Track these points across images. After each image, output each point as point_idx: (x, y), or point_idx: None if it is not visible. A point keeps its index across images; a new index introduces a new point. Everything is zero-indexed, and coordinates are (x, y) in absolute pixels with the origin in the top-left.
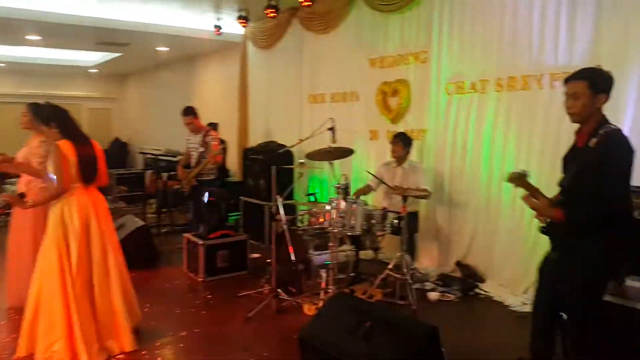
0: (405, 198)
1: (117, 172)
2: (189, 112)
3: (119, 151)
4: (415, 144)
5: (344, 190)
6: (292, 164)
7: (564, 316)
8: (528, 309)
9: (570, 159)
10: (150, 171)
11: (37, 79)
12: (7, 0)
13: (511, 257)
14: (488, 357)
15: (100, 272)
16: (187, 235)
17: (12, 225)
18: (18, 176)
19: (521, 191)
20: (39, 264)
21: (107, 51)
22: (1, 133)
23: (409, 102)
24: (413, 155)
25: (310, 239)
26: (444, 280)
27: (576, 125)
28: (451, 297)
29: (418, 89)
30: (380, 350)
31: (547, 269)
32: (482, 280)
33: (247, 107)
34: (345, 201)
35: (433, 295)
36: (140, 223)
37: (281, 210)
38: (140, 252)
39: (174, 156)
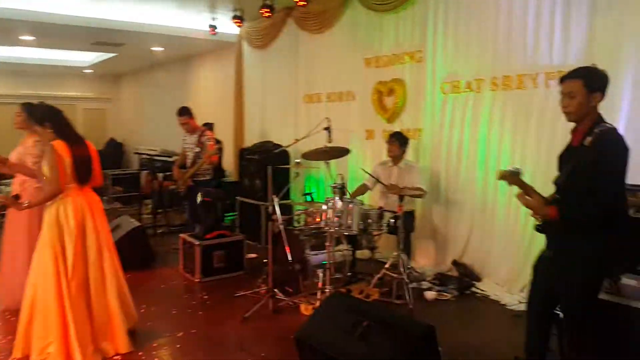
0: (401, 197)
1: (113, 173)
2: (185, 112)
3: (114, 152)
4: (411, 144)
5: (340, 190)
6: (288, 164)
7: (560, 315)
8: (524, 307)
9: (566, 158)
10: (145, 172)
11: (31, 79)
12: None
13: (507, 255)
14: (485, 356)
15: (96, 273)
16: (183, 235)
17: (6, 226)
18: (12, 177)
19: (516, 189)
20: (34, 265)
21: (102, 51)
22: None
23: (404, 102)
24: (409, 154)
25: (306, 238)
26: (441, 280)
27: (572, 124)
28: (448, 296)
29: (414, 88)
30: (378, 350)
31: (542, 267)
32: (479, 279)
33: (242, 107)
34: (342, 201)
35: (430, 295)
36: (136, 224)
37: (277, 210)
38: (136, 253)
39: (170, 156)
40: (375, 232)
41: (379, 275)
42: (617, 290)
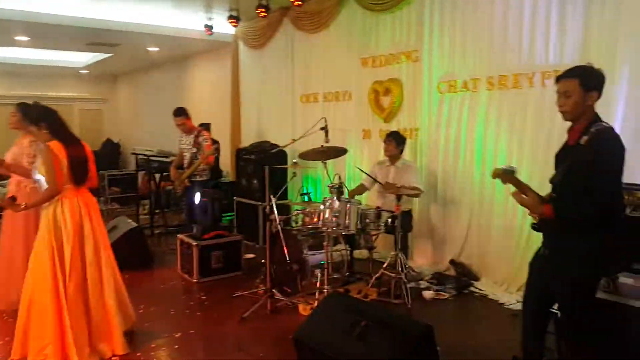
0: (399, 197)
1: (110, 174)
2: (181, 112)
3: (110, 152)
4: (408, 143)
5: (338, 190)
6: (285, 164)
7: (558, 314)
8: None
9: (562, 157)
10: (142, 172)
11: (27, 80)
12: None
13: (505, 255)
14: (483, 355)
15: (94, 274)
16: (180, 236)
17: (3, 227)
18: (8, 177)
19: (511, 188)
20: (31, 266)
21: (98, 52)
22: None
23: (401, 101)
24: (406, 154)
25: (304, 238)
26: (439, 279)
27: (568, 123)
28: (446, 295)
29: (410, 87)
30: (376, 350)
31: (537, 266)
32: (477, 279)
33: (239, 107)
34: (339, 200)
35: (428, 294)
36: (133, 224)
37: (275, 211)
38: (133, 254)
39: (167, 157)
40: (373, 232)
41: (377, 275)
42: (615, 289)
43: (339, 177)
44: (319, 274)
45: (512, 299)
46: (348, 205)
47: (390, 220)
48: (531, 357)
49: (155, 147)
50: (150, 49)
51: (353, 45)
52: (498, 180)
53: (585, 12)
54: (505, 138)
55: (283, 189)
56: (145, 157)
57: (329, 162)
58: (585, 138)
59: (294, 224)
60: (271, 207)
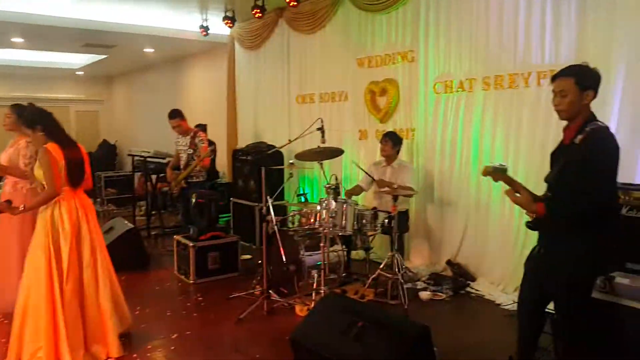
0: (395, 197)
1: (106, 175)
2: (175, 115)
3: (107, 153)
4: (405, 143)
5: (334, 191)
6: (281, 165)
7: (555, 315)
8: None
9: (558, 155)
10: (139, 173)
11: (23, 81)
12: None
13: (502, 255)
14: (480, 355)
15: (90, 276)
16: (177, 237)
17: None
18: (3, 179)
19: (504, 186)
20: (27, 268)
21: (93, 53)
22: None
23: (397, 102)
24: (402, 154)
25: (301, 239)
26: (435, 280)
27: (564, 122)
28: (442, 296)
29: (406, 88)
30: (373, 351)
31: (532, 265)
32: (473, 279)
33: (235, 108)
34: (336, 201)
35: (424, 295)
36: (130, 226)
37: (272, 211)
38: (130, 255)
39: (163, 158)
40: (369, 233)
41: (373, 276)
42: (611, 289)
43: (336, 178)
44: (316, 275)
45: (509, 300)
46: (345, 206)
47: (386, 220)
48: (527, 357)
49: (151, 149)
50: (146, 50)
51: (349, 46)
52: (498, 182)
53: (581, 11)
54: (502, 138)
55: (279, 189)
56: (141, 159)
57: (326, 162)
58: (580, 137)
59: (290, 225)
60: (268, 208)
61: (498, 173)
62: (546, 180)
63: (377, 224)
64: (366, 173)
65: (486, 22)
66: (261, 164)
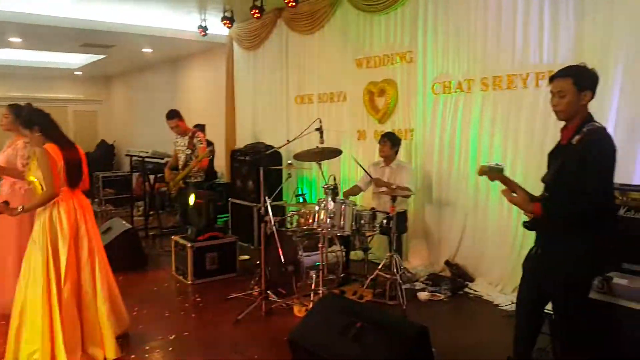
0: (394, 198)
1: (104, 175)
2: (173, 115)
3: (105, 154)
4: (403, 144)
5: (333, 191)
6: (280, 165)
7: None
8: None
9: (555, 156)
10: (137, 174)
11: (21, 82)
12: None
13: (500, 255)
14: (478, 356)
15: (88, 277)
16: (175, 237)
17: None
18: (1, 179)
19: (501, 186)
20: (24, 269)
21: (92, 53)
22: None
23: (396, 102)
24: (401, 155)
25: (299, 240)
26: (434, 280)
27: (562, 123)
28: (441, 296)
29: (405, 88)
30: (371, 351)
31: (530, 265)
32: (472, 280)
33: (233, 109)
34: (334, 202)
35: (423, 295)
36: (128, 226)
37: (270, 212)
38: (128, 255)
39: (161, 158)
40: (368, 233)
41: (372, 276)
42: (609, 289)
43: (334, 178)
44: (314, 276)
45: (507, 300)
46: (343, 207)
47: (385, 221)
48: (524, 358)
49: (149, 149)
50: (144, 50)
51: (347, 46)
52: (495, 182)
53: (579, 12)
54: (500, 138)
55: (278, 190)
56: (139, 159)
57: (324, 163)
58: (577, 137)
59: (289, 225)
60: (266, 208)
61: (494, 172)
62: (543, 180)
63: (375, 225)
64: (364, 171)
65: (484, 23)
66: (259, 164)
